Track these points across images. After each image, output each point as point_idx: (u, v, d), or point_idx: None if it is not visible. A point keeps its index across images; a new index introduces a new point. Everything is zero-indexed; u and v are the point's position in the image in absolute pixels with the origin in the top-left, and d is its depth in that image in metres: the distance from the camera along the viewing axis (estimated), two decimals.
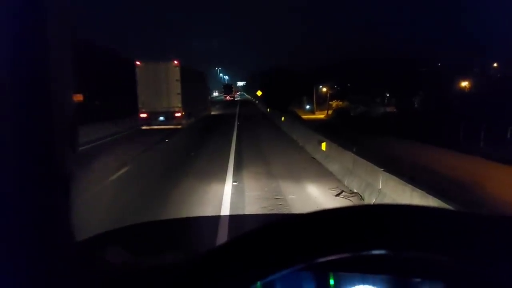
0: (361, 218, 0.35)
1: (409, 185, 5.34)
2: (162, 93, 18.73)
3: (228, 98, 67.67)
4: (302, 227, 0.35)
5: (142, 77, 18.70)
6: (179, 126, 18.77)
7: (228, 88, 74.55)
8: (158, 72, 18.78)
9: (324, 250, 0.33)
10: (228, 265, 0.35)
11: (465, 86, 38.30)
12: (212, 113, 31.35)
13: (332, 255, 0.33)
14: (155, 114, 18.72)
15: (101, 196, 6.80)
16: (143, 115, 18.84)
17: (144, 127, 18.58)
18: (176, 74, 18.91)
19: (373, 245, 0.34)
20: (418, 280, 0.86)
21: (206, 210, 6.07)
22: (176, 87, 18.83)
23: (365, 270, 0.83)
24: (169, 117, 18.81)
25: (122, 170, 8.94)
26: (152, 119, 18.79)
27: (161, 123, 18.79)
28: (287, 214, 5.47)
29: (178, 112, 18.89)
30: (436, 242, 0.33)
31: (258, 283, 0.93)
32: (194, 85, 22.88)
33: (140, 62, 19.10)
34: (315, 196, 7.06)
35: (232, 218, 2.66)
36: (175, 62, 19.12)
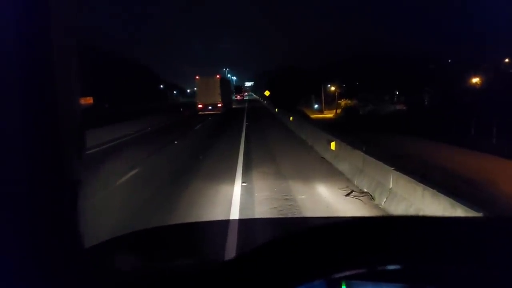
0: (376, 232, 0.34)
1: (421, 184, 5.27)
2: (210, 93, 33.09)
3: (238, 97, 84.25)
4: (317, 243, 0.34)
5: (199, 85, 34.36)
6: (219, 112, 33.08)
7: (238, 89, 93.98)
8: (208, 82, 33.88)
9: (340, 266, 0.33)
10: (241, 282, 0.34)
11: (476, 82, 37.79)
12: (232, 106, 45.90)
13: (348, 271, 0.33)
14: (206, 105, 33.40)
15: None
16: (200, 106, 33.66)
17: (200, 113, 32.74)
18: (218, 82, 34.16)
19: (389, 260, 0.33)
20: None
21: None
22: (218, 90, 33.66)
23: (378, 278, 0.82)
24: (214, 107, 33.33)
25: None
26: (204, 108, 33.34)
27: (209, 110, 33.06)
28: (297, 217, 5.43)
29: (219, 104, 33.73)
30: (451, 255, 0.32)
31: None
32: (226, 88, 38.93)
33: (198, 77, 34.72)
34: (325, 196, 7.02)
35: (241, 222, 2.65)
36: (217, 76, 35.13)
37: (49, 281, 0.53)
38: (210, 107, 33.18)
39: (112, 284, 0.80)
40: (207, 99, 33.10)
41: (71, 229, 0.60)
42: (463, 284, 0.78)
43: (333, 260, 0.33)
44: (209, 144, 13.97)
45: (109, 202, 6.65)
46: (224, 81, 39.06)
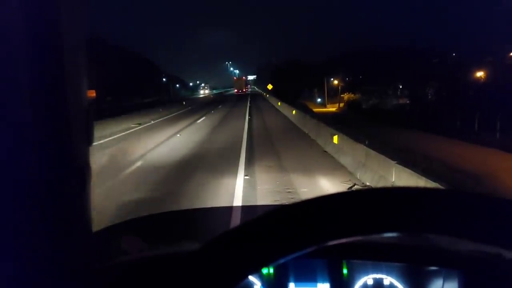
0: (373, 201, 0.34)
1: (423, 178, 5.28)
2: (240, 85, 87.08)
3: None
4: (313, 210, 0.34)
5: (235, 81, 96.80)
6: (244, 93, 76.88)
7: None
8: (239, 80, 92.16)
9: (335, 232, 0.33)
10: (237, 249, 0.35)
11: (480, 76, 37.44)
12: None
13: (344, 238, 0.33)
14: (238, 90, 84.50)
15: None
16: (236, 91, 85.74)
17: (235, 94, 76.33)
18: (244, 80, 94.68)
19: (385, 227, 0.33)
20: (433, 268, 0.84)
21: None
22: (243, 83, 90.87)
23: (378, 258, 0.82)
24: (242, 91, 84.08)
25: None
26: (237, 92, 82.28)
27: (240, 93, 79.83)
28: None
29: (245, 89, 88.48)
30: (448, 224, 0.32)
31: (272, 269, 0.93)
32: (246, 83, 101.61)
33: (236, 78, 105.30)
34: (327, 189, 7.03)
35: (245, 208, 2.67)
36: (243, 77, 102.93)
37: (56, 265, 0.55)
38: (240, 91, 78.73)
39: (118, 266, 0.83)
40: (239, 87, 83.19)
41: (79, 213, 0.62)
42: (464, 264, 0.79)
43: (328, 227, 0.33)
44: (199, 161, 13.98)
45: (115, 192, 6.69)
46: (246, 80, 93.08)
